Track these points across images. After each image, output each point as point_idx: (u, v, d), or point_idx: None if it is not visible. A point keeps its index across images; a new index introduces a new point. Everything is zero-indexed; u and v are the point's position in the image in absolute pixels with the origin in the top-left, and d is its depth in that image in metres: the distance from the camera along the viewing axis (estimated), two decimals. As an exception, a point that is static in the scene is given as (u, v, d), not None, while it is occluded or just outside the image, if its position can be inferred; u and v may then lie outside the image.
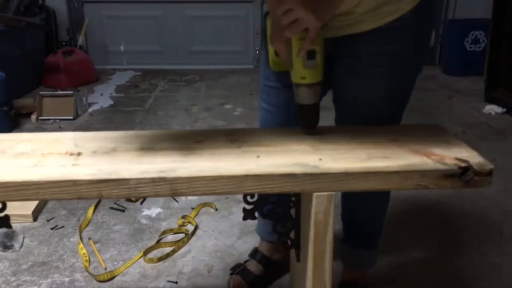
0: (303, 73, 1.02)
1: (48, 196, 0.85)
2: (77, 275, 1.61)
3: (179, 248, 1.75)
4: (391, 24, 1.13)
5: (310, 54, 0.99)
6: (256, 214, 1.61)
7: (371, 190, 0.91)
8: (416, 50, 1.22)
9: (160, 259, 1.69)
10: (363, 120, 1.23)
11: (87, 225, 1.91)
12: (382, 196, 1.41)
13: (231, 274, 1.58)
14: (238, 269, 1.58)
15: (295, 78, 1.04)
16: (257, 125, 1.43)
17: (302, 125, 1.09)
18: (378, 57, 1.17)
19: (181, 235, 1.83)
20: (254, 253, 1.60)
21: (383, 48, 1.17)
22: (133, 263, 1.67)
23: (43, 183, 0.84)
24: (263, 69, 1.35)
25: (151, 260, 1.68)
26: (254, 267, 1.57)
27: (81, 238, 1.80)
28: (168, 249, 1.74)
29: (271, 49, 1.12)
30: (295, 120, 1.30)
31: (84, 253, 1.70)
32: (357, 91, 1.22)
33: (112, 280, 1.59)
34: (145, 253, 1.71)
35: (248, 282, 1.54)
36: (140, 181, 0.85)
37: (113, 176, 0.85)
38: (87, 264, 1.65)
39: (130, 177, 0.85)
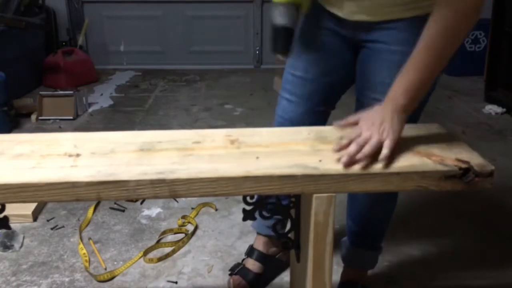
0: None
1: (47, 198, 0.85)
2: (77, 275, 1.61)
3: (179, 248, 1.75)
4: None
5: None
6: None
7: (371, 192, 0.91)
8: None
9: (160, 259, 1.68)
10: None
11: (87, 225, 1.90)
12: (389, 198, 1.41)
13: (230, 274, 1.58)
14: (237, 269, 1.58)
15: None
16: (274, 115, 1.43)
17: (274, 49, 1.13)
18: (414, 45, 1.14)
19: (181, 235, 1.83)
20: (251, 251, 1.61)
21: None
22: (133, 263, 1.67)
23: (42, 185, 0.84)
24: (293, 59, 1.34)
25: (151, 260, 1.68)
26: (252, 265, 1.58)
27: (81, 238, 1.80)
28: (168, 249, 1.74)
29: None
30: (315, 113, 1.34)
31: (84, 253, 1.70)
32: (390, 78, 1.18)
33: (112, 280, 1.59)
34: (145, 253, 1.71)
35: (248, 281, 1.55)
36: (139, 183, 0.85)
37: (112, 178, 0.85)
38: (87, 264, 1.65)
39: (129, 179, 0.85)
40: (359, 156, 0.92)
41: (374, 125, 0.98)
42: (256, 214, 1.60)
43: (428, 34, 0.99)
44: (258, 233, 1.60)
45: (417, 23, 1.08)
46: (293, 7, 1.09)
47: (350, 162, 0.92)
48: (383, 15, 1.16)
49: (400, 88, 1.01)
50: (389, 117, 0.98)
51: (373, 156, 0.93)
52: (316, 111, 1.36)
